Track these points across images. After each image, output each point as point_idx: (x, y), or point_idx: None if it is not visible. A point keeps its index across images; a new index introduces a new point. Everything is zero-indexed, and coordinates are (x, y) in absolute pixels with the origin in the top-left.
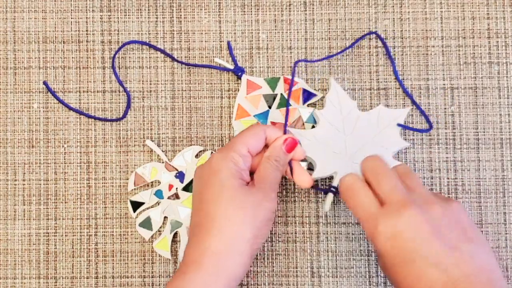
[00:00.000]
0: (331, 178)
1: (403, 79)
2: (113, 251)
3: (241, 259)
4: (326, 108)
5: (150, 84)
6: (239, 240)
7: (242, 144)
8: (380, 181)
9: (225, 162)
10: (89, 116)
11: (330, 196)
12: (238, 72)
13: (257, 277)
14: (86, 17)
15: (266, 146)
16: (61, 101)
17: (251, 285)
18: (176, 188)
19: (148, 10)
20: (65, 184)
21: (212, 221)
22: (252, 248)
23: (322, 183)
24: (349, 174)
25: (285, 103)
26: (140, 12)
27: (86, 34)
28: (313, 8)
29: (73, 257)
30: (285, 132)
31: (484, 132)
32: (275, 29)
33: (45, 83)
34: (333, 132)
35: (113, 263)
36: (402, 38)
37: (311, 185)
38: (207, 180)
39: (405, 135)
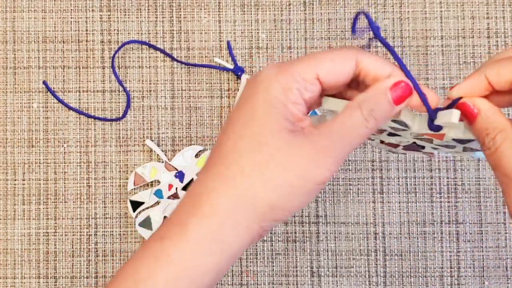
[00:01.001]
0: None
1: None
2: (113, 250)
3: (247, 232)
4: None
5: (150, 83)
6: (250, 205)
7: (309, 65)
8: None
9: (272, 83)
10: (88, 116)
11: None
12: (237, 71)
13: (257, 276)
14: (86, 17)
15: (356, 81)
16: (60, 101)
17: (251, 284)
18: (176, 188)
19: (148, 9)
20: (65, 183)
21: (222, 164)
22: (267, 218)
23: None
24: (502, 132)
25: None
26: (140, 12)
27: (86, 33)
28: (312, 8)
29: (73, 257)
30: (406, 74)
31: None
32: (275, 29)
33: (44, 83)
34: None
35: (113, 263)
36: (402, 37)
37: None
38: (242, 102)
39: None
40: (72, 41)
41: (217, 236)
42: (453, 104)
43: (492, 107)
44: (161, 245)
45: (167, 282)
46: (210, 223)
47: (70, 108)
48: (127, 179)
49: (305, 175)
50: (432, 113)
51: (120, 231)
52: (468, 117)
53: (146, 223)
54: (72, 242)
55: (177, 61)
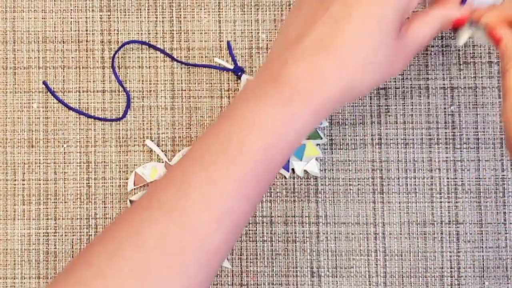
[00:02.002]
0: None
1: (403, 78)
2: None
3: (330, 112)
4: None
5: (150, 84)
6: (352, 93)
7: None
8: None
9: None
10: (88, 116)
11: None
12: (237, 72)
13: (257, 277)
14: (86, 17)
15: None
16: (60, 101)
17: (251, 285)
18: None
19: (148, 10)
20: (64, 184)
21: (346, 58)
22: (339, 102)
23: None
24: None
25: None
26: (140, 12)
27: (86, 34)
28: None
29: (72, 257)
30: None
31: (484, 132)
32: (275, 29)
33: (44, 83)
34: None
35: None
36: None
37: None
38: None
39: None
40: (72, 41)
41: (320, 115)
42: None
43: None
44: (286, 111)
45: (290, 141)
46: (322, 104)
47: (70, 108)
48: (127, 179)
49: (393, 70)
50: None
51: None
52: (494, 40)
53: None
54: (72, 242)
55: (177, 61)
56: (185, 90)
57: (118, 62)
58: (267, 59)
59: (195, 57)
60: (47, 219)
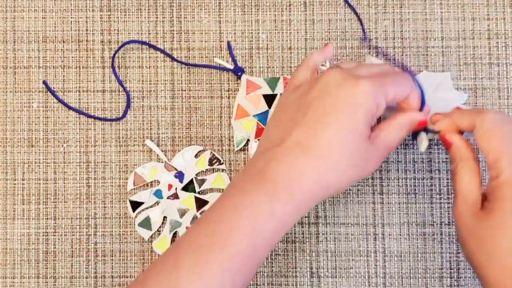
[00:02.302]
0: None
1: None
2: (112, 251)
3: (312, 207)
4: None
5: (150, 84)
6: (329, 190)
7: (393, 92)
8: None
9: (372, 100)
10: (88, 116)
11: (424, 136)
12: (237, 72)
13: (257, 277)
14: (86, 17)
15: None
16: (60, 101)
17: (250, 285)
18: (176, 188)
19: (148, 9)
20: (64, 183)
21: (321, 158)
22: (316, 201)
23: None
24: (495, 112)
25: None
26: (140, 12)
27: (86, 33)
28: (313, 9)
29: (72, 257)
30: (422, 105)
31: None
32: (275, 29)
33: (44, 82)
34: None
35: (112, 263)
36: (402, 38)
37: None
38: (343, 106)
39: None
40: (72, 41)
41: (302, 208)
42: (433, 132)
43: (460, 141)
44: (270, 203)
45: (274, 231)
46: (301, 199)
47: (70, 108)
48: (126, 179)
49: (366, 170)
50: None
51: (120, 231)
52: (445, 144)
53: (146, 223)
54: (72, 242)
55: (177, 61)
56: (185, 90)
57: (118, 62)
58: (253, 157)
59: (195, 57)
60: (47, 218)
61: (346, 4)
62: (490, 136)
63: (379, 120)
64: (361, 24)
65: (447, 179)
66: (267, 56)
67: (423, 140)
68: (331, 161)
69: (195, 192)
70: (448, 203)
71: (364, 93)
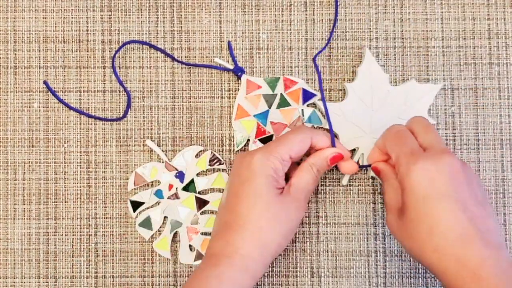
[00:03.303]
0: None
1: (403, 79)
2: (113, 250)
3: (266, 263)
4: (357, 81)
5: (150, 84)
6: (268, 248)
7: (286, 150)
8: (430, 132)
9: (265, 167)
10: (89, 116)
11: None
12: (238, 72)
13: None
14: (87, 17)
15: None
16: (61, 101)
17: None
18: (176, 188)
19: (149, 10)
20: (65, 183)
21: (244, 225)
22: (276, 253)
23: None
24: (397, 125)
25: (285, 103)
26: (141, 12)
27: (87, 33)
28: (313, 9)
29: (73, 257)
30: (332, 144)
31: (484, 132)
32: (276, 29)
33: (45, 82)
34: (361, 107)
35: (113, 263)
36: (403, 38)
37: (356, 170)
38: (244, 181)
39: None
40: (72, 41)
41: (251, 270)
42: (365, 166)
43: (386, 166)
44: (216, 269)
45: None
46: (244, 263)
47: (70, 108)
48: (127, 179)
49: (297, 218)
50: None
51: (120, 231)
52: (375, 172)
53: (146, 223)
54: (72, 242)
55: (178, 61)
56: (185, 90)
57: (119, 62)
58: (210, 239)
59: (195, 57)
60: (47, 218)
61: (314, 63)
62: (390, 144)
63: None
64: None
65: None
66: (268, 56)
67: (346, 176)
68: (252, 226)
69: (195, 192)
70: None
71: (256, 165)
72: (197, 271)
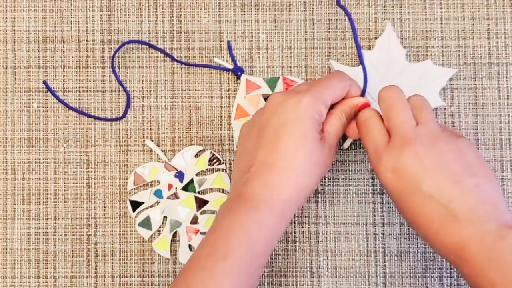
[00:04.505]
0: None
1: None
2: (112, 250)
3: (299, 207)
4: (374, 50)
5: (150, 83)
6: (305, 192)
7: (330, 96)
8: (390, 114)
9: (313, 110)
10: (88, 116)
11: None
12: (237, 72)
13: None
14: (86, 17)
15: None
16: (61, 101)
17: None
18: (176, 188)
19: (148, 9)
20: (64, 183)
21: (288, 167)
22: (307, 198)
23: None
24: (368, 109)
25: None
26: (140, 12)
27: (86, 33)
28: (313, 8)
29: (72, 257)
30: (363, 92)
31: (483, 132)
32: (275, 29)
33: (45, 82)
34: (374, 76)
35: (112, 263)
36: (402, 38)
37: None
38: (289, 122)
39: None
40: (72, 41)
41: (287, 214)
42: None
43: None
44: (257, 217)
45: (265, 239)
46: (284, 206)
47: (70, 108)
48: (127, 179)
49: (329, 164)
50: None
51: (120, 231)
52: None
53: (146, 223)
54: (72, 242)
55: (177, 61)
56: (185, 90)
57: (118, 62)
58: (231, 186)
59: (195, 57)
60: (47, 218)
61: (339, 6)
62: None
63: None
64: (352, 25)
65: None
66: (267, 56)
67: (347, 141)
68: (295, 169)
69: (195, 192)
70: None
71: (304, 106)
72: (234, 210)
